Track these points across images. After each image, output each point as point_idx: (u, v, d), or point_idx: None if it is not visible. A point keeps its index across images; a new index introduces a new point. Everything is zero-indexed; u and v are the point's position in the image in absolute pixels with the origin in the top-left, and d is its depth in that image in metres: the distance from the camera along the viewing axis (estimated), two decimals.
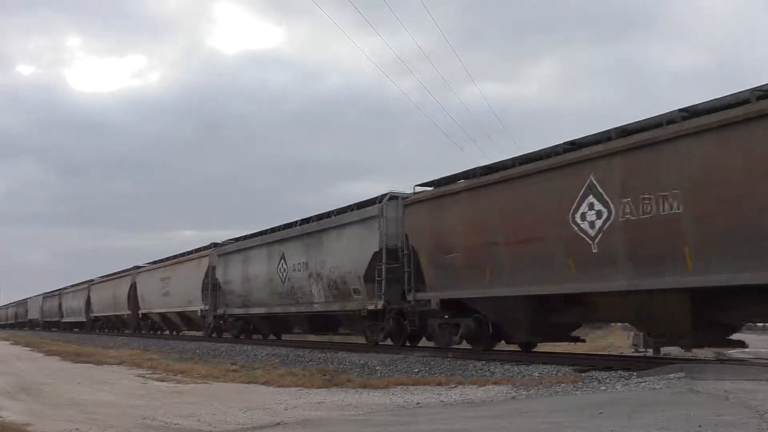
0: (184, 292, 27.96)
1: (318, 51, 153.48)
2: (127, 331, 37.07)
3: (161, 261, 32.47)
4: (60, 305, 52.44)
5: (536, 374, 10.12)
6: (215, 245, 26.22)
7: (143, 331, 34.64)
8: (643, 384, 7.90)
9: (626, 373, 9.26)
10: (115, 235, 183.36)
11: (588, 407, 6.41)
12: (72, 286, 50.31)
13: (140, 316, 34.51)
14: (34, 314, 62.73)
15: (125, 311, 36.03)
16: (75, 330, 47.74)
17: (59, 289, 54.33)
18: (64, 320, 51.60)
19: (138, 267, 35.80)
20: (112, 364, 16.25)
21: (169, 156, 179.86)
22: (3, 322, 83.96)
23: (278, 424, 6.92)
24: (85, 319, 44.55)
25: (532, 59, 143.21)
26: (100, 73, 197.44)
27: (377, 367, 12.45)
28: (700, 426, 4.77)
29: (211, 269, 25.20)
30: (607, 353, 16.21)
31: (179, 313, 29.11)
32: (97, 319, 42.43)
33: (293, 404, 8.43)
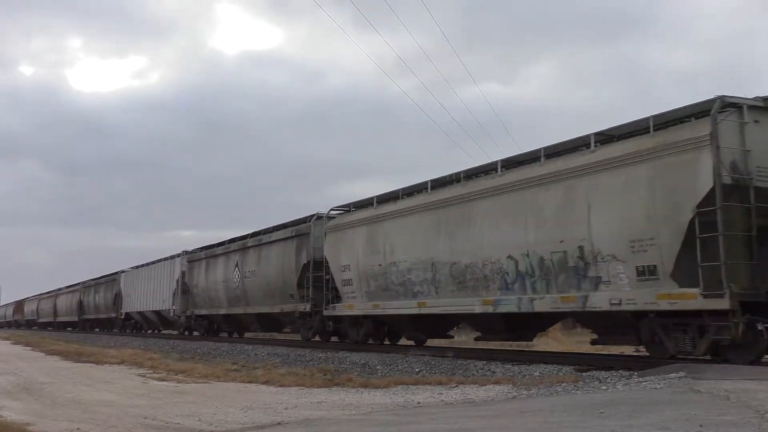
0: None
1: (318, 51, 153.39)
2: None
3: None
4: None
5: (537, 374, 10.14)
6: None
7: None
8: (644, 384, 7.90)
9: (627, 373, 9.27)
10: (115, 235, 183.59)
11: (589, 407, 6.41)
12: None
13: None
14: (145, 303, 33.21)
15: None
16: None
17: (258, 233, 23.35)
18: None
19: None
20: (112, 363, 16.24)
21: (169, 156, 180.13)
22: (47, 320, 52.88)
23: (279, 423, 6.92)
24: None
25: (532, 59, 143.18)
26: (100, 73, 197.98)
27: (378, 367, 12.47)
28: (701, 426, 4.77)
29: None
30: (607, 352, 16.19)
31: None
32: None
33: (294, 404, 8.43)
